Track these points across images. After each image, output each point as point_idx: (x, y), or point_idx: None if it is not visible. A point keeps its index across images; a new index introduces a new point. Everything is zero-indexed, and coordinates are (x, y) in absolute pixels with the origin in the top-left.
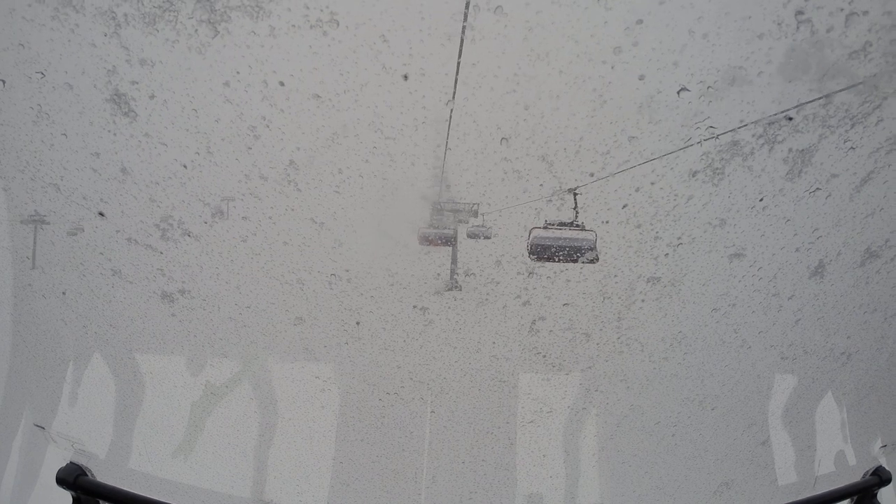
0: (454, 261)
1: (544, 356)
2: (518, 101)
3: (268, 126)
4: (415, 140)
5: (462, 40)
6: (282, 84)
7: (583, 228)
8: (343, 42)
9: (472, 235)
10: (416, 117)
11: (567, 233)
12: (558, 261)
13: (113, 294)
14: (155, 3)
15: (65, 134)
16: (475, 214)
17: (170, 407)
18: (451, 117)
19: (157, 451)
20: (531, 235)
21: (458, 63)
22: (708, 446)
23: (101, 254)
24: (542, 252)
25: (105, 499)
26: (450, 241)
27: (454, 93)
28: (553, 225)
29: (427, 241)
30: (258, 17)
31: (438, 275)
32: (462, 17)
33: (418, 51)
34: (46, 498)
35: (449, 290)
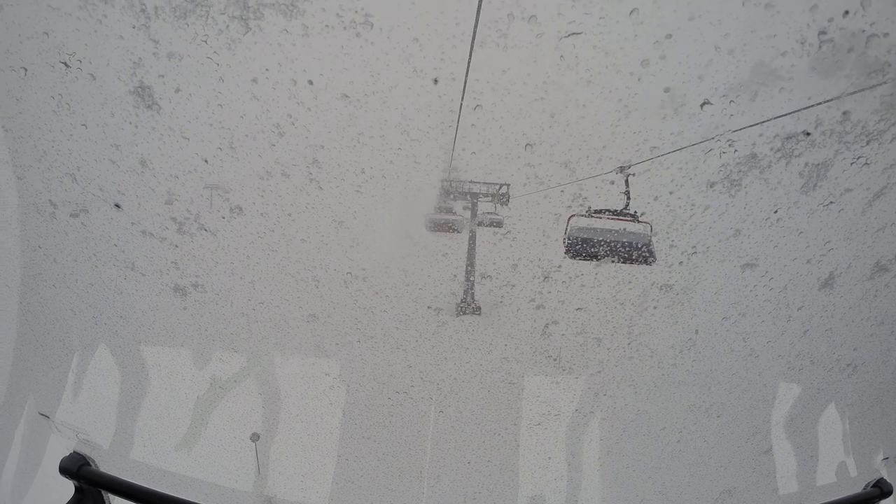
0: (470, 268)
1: (555, 359)
2: (545, 108)
3: (293, 124)
4: (440, 143)
5: (474, 32)
6: (311, 83)
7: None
8: (375, 44)
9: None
10: (443, 121)
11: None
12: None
13: (125, 286)
14: None
15: (84, 124)
16: (504, 200)
17: (175, 400)
18: (461, 105)
19: (161, 443)
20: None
21: (469, 63)
22: (712, 453)
23: (115, 245)
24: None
25: (108, 489)
26: (458, 228)
27: (464, 88)
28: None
29: (437, 227)
30: (292, 16)
31: (455, 276)
32: (475, 16)
33: (450, 55)
34: (49, 487)
35: (462, 313)
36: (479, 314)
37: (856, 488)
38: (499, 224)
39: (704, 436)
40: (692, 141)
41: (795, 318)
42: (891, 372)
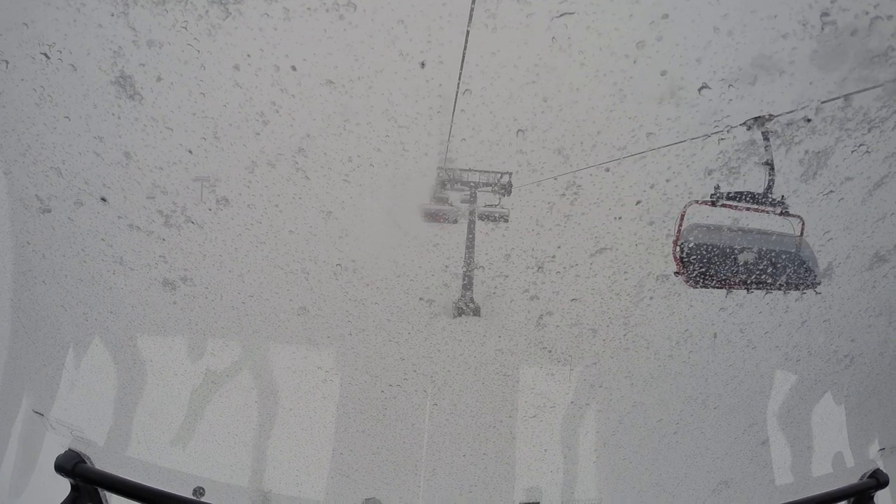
0: (468, 264)
1: (550, 351)
2: (537, 92)
3: (277, 112)
4: (429, 129)
5: (471, 12)
6: (294, 69)
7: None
8: (359, 26)
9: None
10: (431, 106)
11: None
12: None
13: (114, 281)
14: None
15: (67, 117)
16: (506, 191)
17: (169, 395)
18: (457, 93)
19: (157, 439)
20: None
21: (465, 45)
22: (709, 445)
23: (103, 240)
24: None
25: (104, 487)
26: (453, 218)
27: (461, 71)
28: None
29: (431, 217)
30: None
31: (447, 267)
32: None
33: (437, 38)
34: (45, 485)
35: (460, 314)
36: (479, 315)
37: (852, 479)
38: (504, 218)
39: (701, 427)
40: (689, 125)
41: (793, 308)
42: (888, 363)
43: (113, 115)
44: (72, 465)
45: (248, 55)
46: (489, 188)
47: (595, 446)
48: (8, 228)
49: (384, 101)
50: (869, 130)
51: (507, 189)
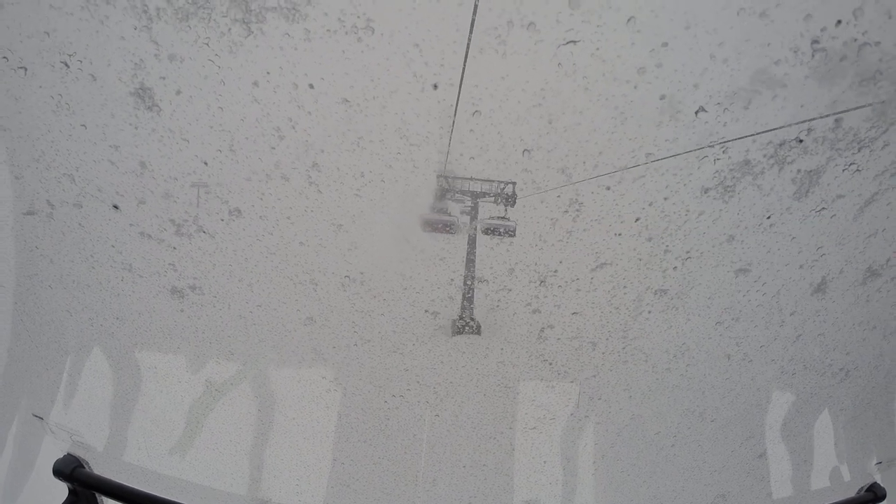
0: (469, 281)
1: (550, 363)
2: (543, 114)
3: (293, 127)
4: (439, 147)
5: (469, 40)
6: (311, 87)
7: None
8: (376, 49)
9: None
10: (442, 125)
11: None
12: None
13: (121, 287)
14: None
15: (84, 125)
16: (511, 201)
17: (171, 402)
18: (457, 102)
19: (156, 445)
20: None
21: (463, 69)
22: (706, 458)
23: (113, 246)
24: None
25: (102, 492)
26: (453, 229)
27: (458, 93)
28: None
29: (431, 227)
30: (294, 20)
31: (452, 280)
32: (470, 24)
33: (450, 61)
34: (42, 489)
35: (460, 333)
36: (479, 334)
37: (849, 492)
38: (511, 233)
39: (699, 440)
40: (686, 146)
41: (788, 322)
42: (883, 376)
43: (130, 125)
44: (70, 470)
45: (268, 72)
46: (492, 198)
47: (593, 458)
48: (15, 233)
49: (397, 120)
50: (859, 150)
51: (511, 199)
